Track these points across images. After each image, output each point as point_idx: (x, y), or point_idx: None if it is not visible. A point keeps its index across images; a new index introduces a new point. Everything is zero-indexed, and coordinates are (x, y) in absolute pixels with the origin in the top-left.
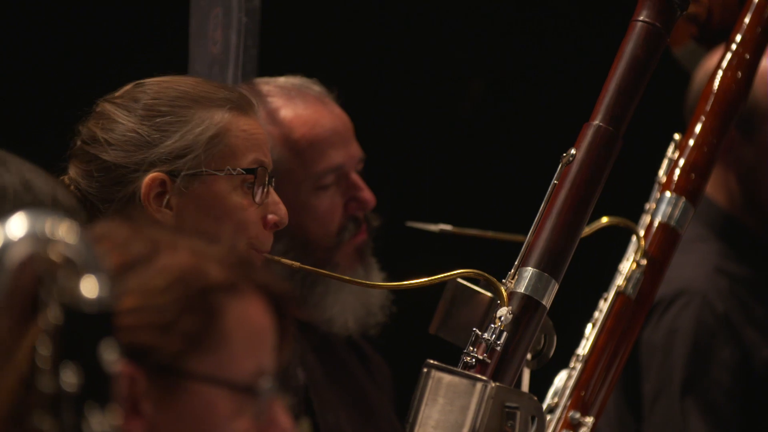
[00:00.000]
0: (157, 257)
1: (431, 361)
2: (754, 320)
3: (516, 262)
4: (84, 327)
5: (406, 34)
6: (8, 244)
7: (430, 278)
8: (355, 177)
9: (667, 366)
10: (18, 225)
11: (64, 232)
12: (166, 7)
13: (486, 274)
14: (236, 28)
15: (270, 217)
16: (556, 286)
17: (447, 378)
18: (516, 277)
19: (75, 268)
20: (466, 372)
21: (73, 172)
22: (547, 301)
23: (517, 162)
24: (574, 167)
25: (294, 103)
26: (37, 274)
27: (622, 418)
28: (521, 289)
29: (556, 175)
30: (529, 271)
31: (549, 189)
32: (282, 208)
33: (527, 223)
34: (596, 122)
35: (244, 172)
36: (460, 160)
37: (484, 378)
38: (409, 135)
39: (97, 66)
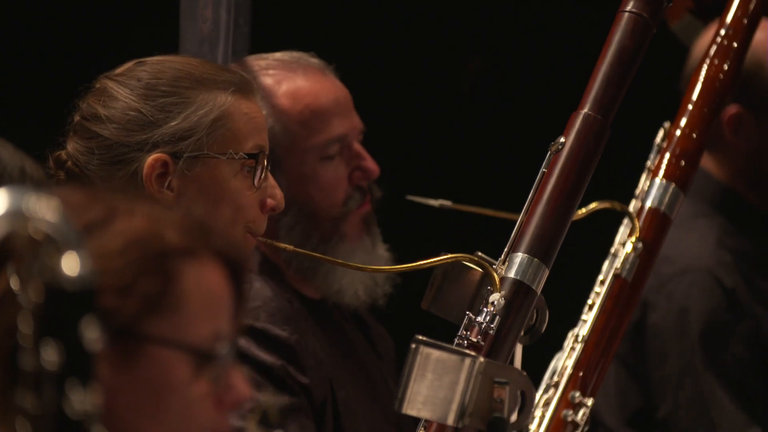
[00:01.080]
0: (114, 221)
1: (419, 337)
2: (758, 293)
3: (506, 248)
4: (65, 304)
5: (404, 10)
6: None
7: (424, 261)
8: (358, 147)
9: (685, 346)
10: None
11: (44, 208)
12: None
13: (479, 259)
14: (226, 5)
15: (268, 201)
16: (547, 272)
17: (435, 354)
18: (507, 262)
19: (56, 246)
20: (455, 347)
21: (71, 147)
22: (537, 287)
23: (514, 141)
24: (563, 155)
25: (295, 75)
26: (15, 251)
27: (623, 397)
28: (512, 275)
29: (544, 163)
30: (519, 257)
31: (538, 177)
32: (279, 192)
33: (523, 203)
34: (585, 111)
35: (246, 157)
36: (457, 136)
37: (472, 353)
38: (407, 110)
39: (88, 44)
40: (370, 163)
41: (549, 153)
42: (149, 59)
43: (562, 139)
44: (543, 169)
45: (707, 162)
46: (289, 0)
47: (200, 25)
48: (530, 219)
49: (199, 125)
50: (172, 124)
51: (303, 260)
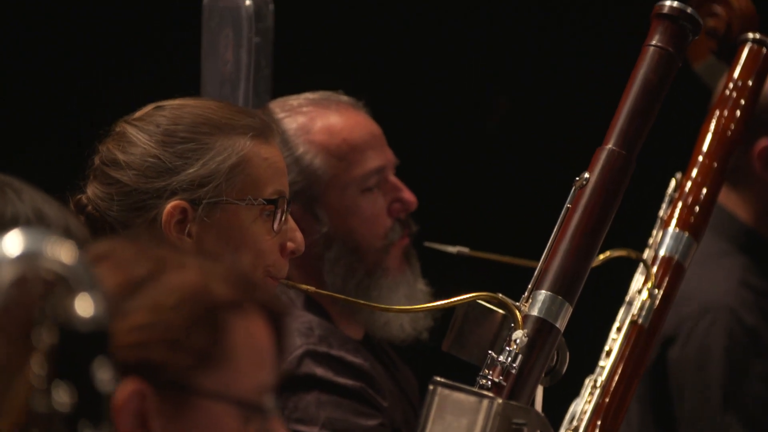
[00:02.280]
0: (165, 275)
1: (438, 378)
2: None
3: (530, 285)
4: (78, 346)
5: (423, 52)
6: (2, 262)
7: (447, 301)
8: (395, 179)
9: (704, 383)
10: (13, 243)
11: (59, 250)
12: (178, 27)
13: (501, 297)
14: (247, 47)
15: (288, 245)
16: (570, 309)
17: (453, 395)
18: (530, 300)
19: (69, 287)
20: (473, 389)
21: (91, 192)
22: (561, 324)
23: (533, 185)
24: (588, 191)
25: (328, 111)
26: (31, 293)
27: None
28: (535, 312)
29: (569, 198)
30: (543, 294)
31: (562, 213)
32: (299, 236)
33: (541, 248)
34: (609, 146)
35: (265, 203)
36: (477, 181)
37: (490, 395)
38: (429, 154)
39: (110, 86)
40: (409, 195)
41: (573, 189)
42: (168, 103)
43: (587, 175)
44: (567, 205)
45: (731, 200)
46: (311, 41)
47: (221, 67)
48: (554, 256)
49: (218, 171)
50: (191, 170)
51: (351, 294)
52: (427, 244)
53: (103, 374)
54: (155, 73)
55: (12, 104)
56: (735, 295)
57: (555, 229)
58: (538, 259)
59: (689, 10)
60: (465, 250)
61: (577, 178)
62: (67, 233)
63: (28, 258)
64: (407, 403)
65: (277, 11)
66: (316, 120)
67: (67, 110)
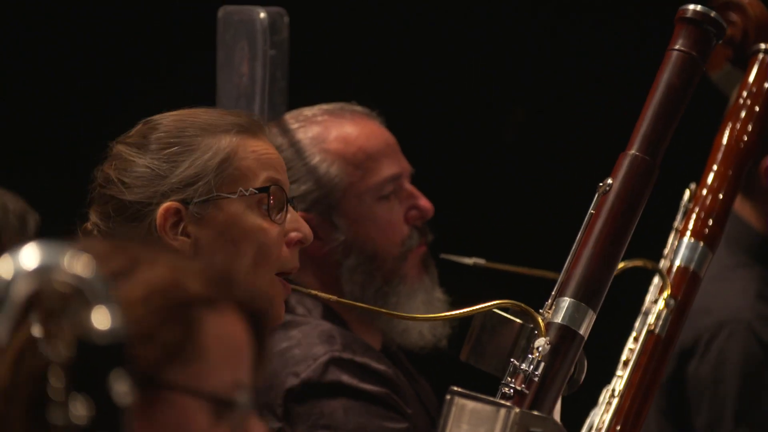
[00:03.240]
0: (137, 271)
1: (455, 388)
2: None
3: (553, 292)
4: (95, 359)
5: (439, 64)
6: (19, 275)
7: (469, 309)
8: (411, 186)
9: (719, 398)
10: (29, 256)
11: (75, 263)
12: (194, 41)
13: (523, 305)
14: (262, 60)
15: (292, 234)
16: (594, 316)
17: (471, 404)
18: (553, 307)
19: (86, 300)
20: (490, 398)
21: (93, 216)
22: (584, 331)
23: (552, 195)
24: (611, 197)
25: (343, 121)
26: (44, 306)
27: None
28: (558, 320)
29: (592, 204)
30: (566, 301)
31: (586, 219)
32: (305, 225)
33: (560, 259)
34: (633, 152)
35: (256, 192)
36: (496, 191)
37: (507, 404)
38: (445, 163)
39: (126, 102)
40: (425, 202)
41: (597, 194)
42: (156, 117)
43: (610, 181)
44: (591, 211)
45: (746, 211)
46: (326, 53)
47: (236, 80)
48: (577, 262)
49: (206, 169)
50: (179, 172)
51: (369, 301)
52: (444, 255)
53: (120, 386)
54: (171, 87)
55: (27, 126)
56: (752, 309)
57: (578, 236)
58: (558, 270)
59: (713, 14)
60: (481, 261)
61: (601, 184)
62: (4, 210)
63: (44, 271)
64: (425, 413)
65: (292, 23)
66: (331, 129)
67: (80, 128)
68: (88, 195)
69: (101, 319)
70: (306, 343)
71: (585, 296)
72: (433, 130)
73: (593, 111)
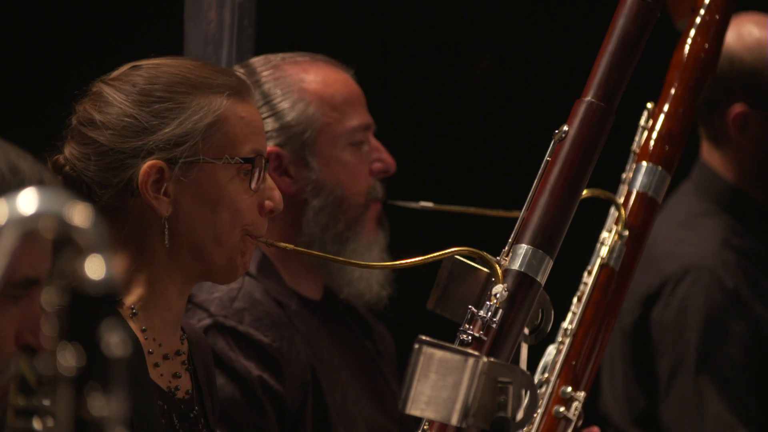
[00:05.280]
0: None
1: (423, 337)
2: (761, 294)
3: (510, 239)
4: (87, 308)
5: (405, 11)
6: (15, 220)
7: (426, 257)
8: (376, 141)
9: (681, 344)
10: (27, 202)
11: (73, 211)
12: None
13: (481, 252)
14: (230, 7)
15: (266, 203)
16: (551, 263)
17: (439, 354)
18: (510, 254)
19: (80, 248)
20: (458, 348)
21: (68, 152)
22: (542, 278)
23: (509, 139)
24: (567, 144)
25: (319, 65)
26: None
27: (630, 396)
28: (516, 266)
29: (548, 152)
30: (523, 248)
31: (542, 166)
32: (277, 194)
33: (518, 205)
34: (588, 98)
35: (242, 162)
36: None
37: (476, 353)
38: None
39: (92, 46)
40: (389, 157)
41: (553, 142)
42: (145, 63)
43: (566, 128)
44: (547, 158)
45: (714, 159)
46: (293, 2)
47: (204, 26)
48: (534, 209)
49: (194, 131)
50: (167, 130)
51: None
52: (391, 201)
53: (111, 337)
54: (138, 33)
55: None
56: (717, 256)
57: (534, 183)
58: (507, 211)
59: None
60: (429, 204)
61: (556, 131)
62: (41, 186)
63: (40, 217)
64: (369, 363)
65: None
66: (309, 71)
67: (46, 70)
68: (63, 127)
69: (95, 268)
70: (208, 300)
71: (542, 243)
72: (398, 80)
73: (548, 57)
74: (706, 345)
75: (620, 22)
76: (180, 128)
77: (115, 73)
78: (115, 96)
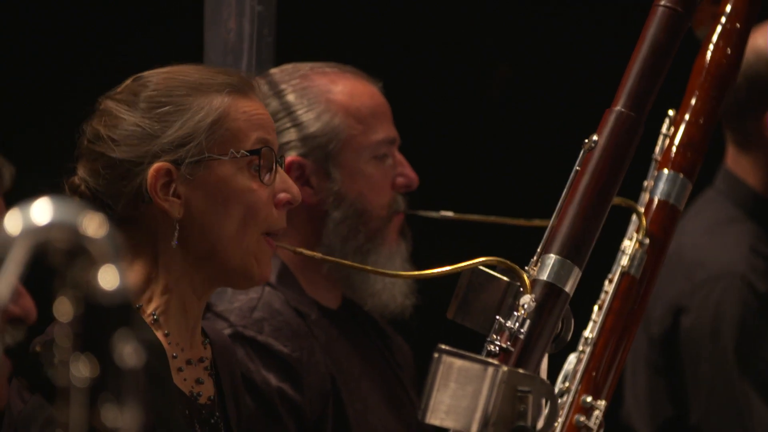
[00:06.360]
0: None
1: (442, 346)
2: None
3: (539, 249)
4: (101, 319)
5: (426, 20)
6: (29, 230)
7: (452, 267)
8: (400, 155)
9: (719, 351)
10: (40, 212)
11: (86, 221)
12: None
13: (508, 262)
14: (249, 16)
15: (281, 195)
16: (579, 273)
17: (458, 363)
18: (539, 264)
19: (93, 258)
20: (478, 357)
21: (81, 171)
22: (570, 289)
23: (531, 148)
24: (597, 154)
25: (347, 76)
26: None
27: (655, 404)
28: (544, 277)
29: (578, 161)
30: (551, 258)
31: (571, 175)
32: (293, 186)
33: (537, 209)
34: (618, 108)
35: (248, 154)
36: (480, 150)
37: (495, 362)
38: (436, 122)
39: (112, 57)
40: (412, 172)
41: (582, 151)
42: (146, 73)
43: (595, 138)
44: (576, 168)
45: (740, 166)
46: (314, 11)
47: (224, 35)
48: (563, 219)
49: (198, 129)
50: (171, 132)
51: (343, 267)
52: (409, 211)
53: (123, 348)
54: (158, 43)
55: (14, 79)
56: (746, 262)
57: (564, 192)
58: (529, 220)
59: None
60: (449, 213)
61: (586, 141)
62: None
63: (53, 227)
64: (388, 372)
65: None
66: (337, 82)
67: (66, 84)
68: (75, 149)
69: (108, 278)
70: (228, 310)
71: (570, 253)
72: (418, 87)
73: (579, 67)
74: (745, 350)
75: (651, 32)
76: (183, 129)
77: (118, 88)
78: (120, 108)
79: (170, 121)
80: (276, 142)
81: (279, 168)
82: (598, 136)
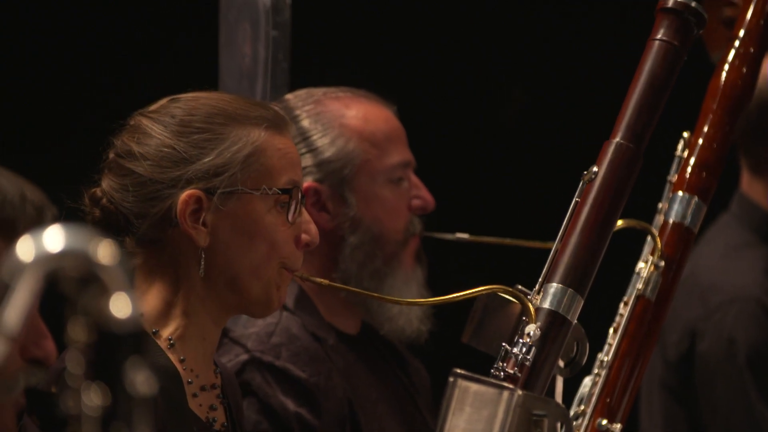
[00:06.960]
0: None
1: (458, 371)
2: None
3: (541, 278)
4: (112, 347)
5: (438, 46)
6: (41, 258)
7: (461, 294)
8: (416, 177)
9: (734, 374)
10: (53, 240)
11: (97, 248)
12: (196, 21)
13: (514, 290)
14: (264, 41)
15: (303, 236)
16: (581, 301)
17: (474, 387)
18: (542, 293)
19: (106, 286)
20: (493, 381)
21: (106, 184)
22: (573, 317)
23: (544, 170)
24: (596, 185)
25: (361, 100)
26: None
27: (670, 427)
28: (547, 305)
29: (577, 192)
30: (554, 287)
31: (571, 206)
32: (313, 228)
33: (552, 231)
34: (617, 140)
35: (279, 192)
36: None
37: (510, 386)
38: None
39: (128, 79)
40: (428, 194)
41: (582, 182)
42: (183, 96)
43: (595, 169)
44: (576, 199)
45: (755, 190)
46: (328, 36)
47: (239, 60)
48: (564, 249)
49: (233, 161)
50: (206, 160)
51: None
52: (425, 233)
53: (136, 376)
54: (173, 67)
55: (30, 100)
56: (761, 286)
57: (564, 223)
58: (542, 242)
59: (693, 3)
60: (464, 236)
61: (586, 172)
62: (23, 199)
63: (65, 255)
64: (404, 396)
65: (294, 5)
66: (351, 106)
67: (84, 105)
68: (101, 161)
69: (120, 306)
70: (245, 335)
71: (573, 282)
72: (433, 115)
73: (578, 99)
74: (760, 373)
75: (647, 65)
76: (219, 158)
77: (153, 107)
78: (154, 127)
79: (207, 149)
80: (302, 181)
81: (303, 209)
82: (598, 167)
